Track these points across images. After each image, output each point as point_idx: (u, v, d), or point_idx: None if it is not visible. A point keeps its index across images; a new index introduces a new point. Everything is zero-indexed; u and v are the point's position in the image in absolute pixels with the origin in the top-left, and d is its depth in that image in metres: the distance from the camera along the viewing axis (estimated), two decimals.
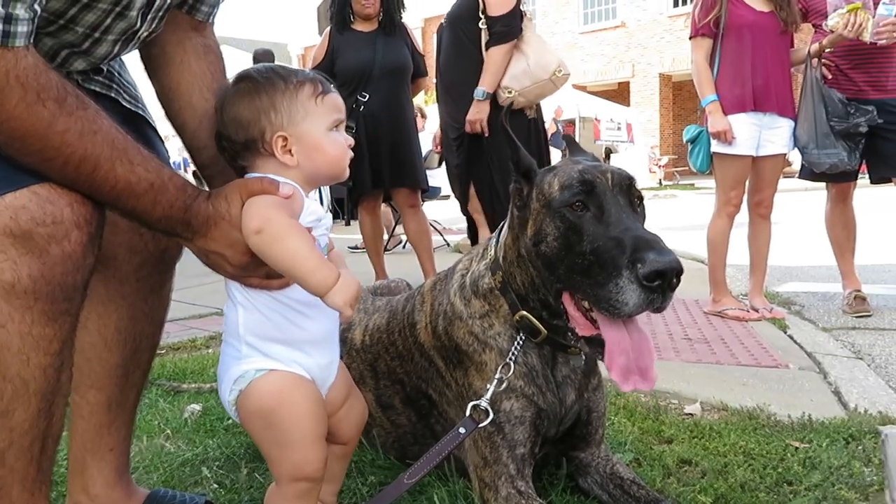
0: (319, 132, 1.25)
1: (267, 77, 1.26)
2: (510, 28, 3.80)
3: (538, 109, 4.06)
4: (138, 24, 1.20)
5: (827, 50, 3.83)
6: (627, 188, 1.38)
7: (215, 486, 1.74)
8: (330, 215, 1.33)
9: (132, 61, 1.43)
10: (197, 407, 2.37)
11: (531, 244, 1.40)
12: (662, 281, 1.20)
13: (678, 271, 1.21)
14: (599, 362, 1.33)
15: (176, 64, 1.35)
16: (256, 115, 1.23)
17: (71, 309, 1.07)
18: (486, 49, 3.83)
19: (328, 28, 4.41)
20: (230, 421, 2.22)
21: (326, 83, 1.28)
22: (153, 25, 1.25)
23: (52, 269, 1.01)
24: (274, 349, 1.24)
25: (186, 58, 1.35)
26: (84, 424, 1.39)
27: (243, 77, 1.28)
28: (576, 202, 1.33)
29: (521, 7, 3.87)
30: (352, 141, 1.31)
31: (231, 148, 1.27)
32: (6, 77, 0.94)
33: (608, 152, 17.68)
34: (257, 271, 1.20)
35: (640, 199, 1.41)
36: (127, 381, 1.42)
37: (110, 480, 1.43)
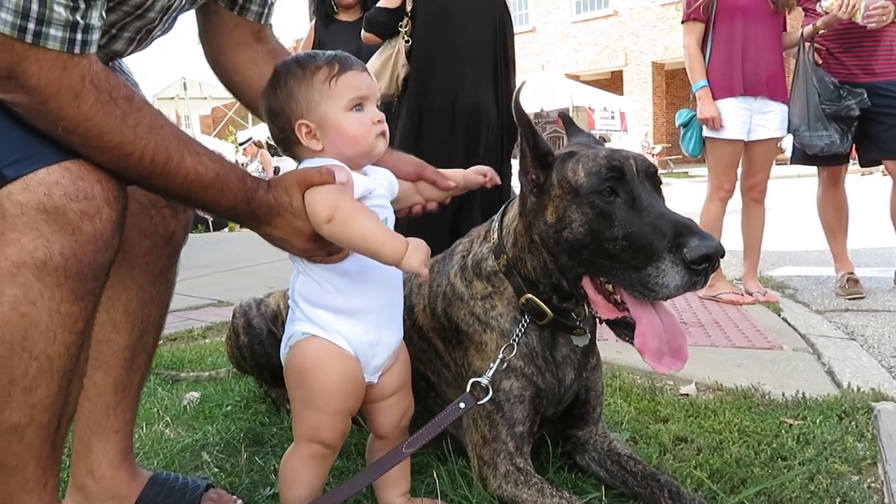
0: (336, 114, 1.27)
1: (287, 67, 1.30)
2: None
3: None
4: (156, 23, 1.22)
5: (821, 32, 3.85)
6: (652, 174, 1.40)
7: (216, 469, 1.75)
8: (381, 186, 1.35)
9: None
10: (196, 394, 2.38)
11: (552, 231, 1.40)
12: (708, 264, 1.23)
13: (722, 254, 1.24)
14: (627, 343, 1.37)
15: (255, 80, 1.42)
16: (280, 105, 1.29)
17: (97, 289, 1.08)
18: None
19: (314, 21, 4.39)
20: (229, 407, 2.23)
21: (345, 62, 1.29)
22: (167, 25, 1.28)
23: (83, 248, 1.03)
24: (320, 315, 1.30)
25: (262, 71, 1.42)
26: (90, 406, 1.39)
27: (275, 70, 1.33)
28: (605, 188, 1.34)
29: None
30: (380, 116, 1.31)
31: (275, 138, 1.35)
32: (82, 81, 0.99)
33: (602, 141, 17.70)
34: (320, 252, 1.26)
35: (661, 182, 1.43)
36: (133, 364, 1.43)
37: (115, 462, 1.43)
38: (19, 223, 0.99)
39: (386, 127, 1.33)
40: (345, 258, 1.28)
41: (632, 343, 1.34)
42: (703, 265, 1.23)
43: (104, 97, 1.01)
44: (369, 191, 1.30)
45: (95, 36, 1.00)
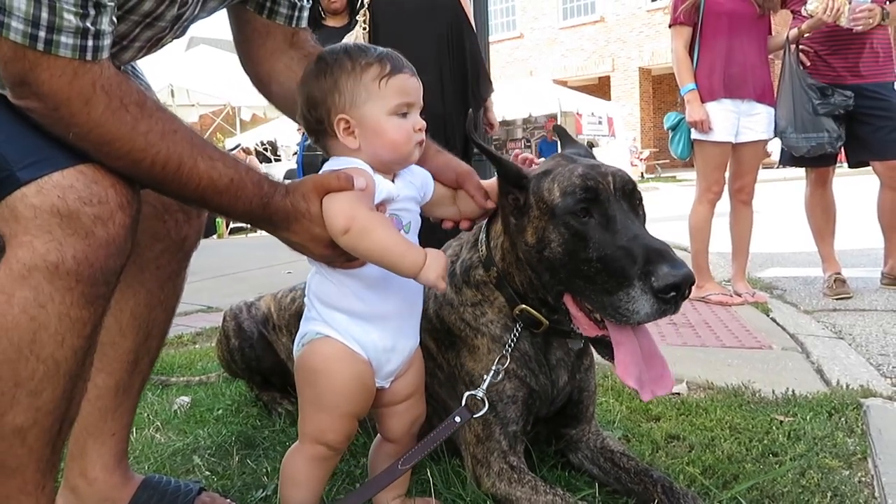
0: (379, 116, 1.24)
1: (336, 58, 1.27)
2: None
3: None
4: (167, 31, 1.22)
5: (805, 35, 3.89)
6: (630, 192, 1.37)
7: (207, 473, 1.74)
8: (408, 189, 1.32)
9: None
10: (186, 399, 2.36)
11: (534, 251, 1.39)
12: (677, 293, 1.22)
13: (691, 283, 1.23)
14: (608, 363, 1.37)
15: (293, 88, 1.38)
16: (323, 95, 1.26)
17: (107, 293, 1.08)
18: None
19: None
20: (220, 411, 2.22)
21: (398, 64, 1.26)
22: (178, 32, 1.27)
23: (96, 252, 1.02)
24: (335, 317, 1.28)
25: (298, 77, 1.38)
26: (89, 408, 1.37)
27: (320, 57, 1.31)
28: (579, 209, 1.33)
29: None
30: (422, 124, 1.28)
31: (308, 127, 1.31)
32: (93, 88, 0.99)
33: (590, 146, 17.76)
34: (340, 258, 1.24)
35: (641, 200, 1.41)
36: (136, 368, 1.42)
37: (109, 465, 1.42)
38: (32, 226, 0.99)
39: (424, 136, 1.30)
40: (365, 264, 1.25)
41: (612, 362, 1.34)
42: (672, 294, 1.22)
43: (115, 103, 1.01)
44: (392, 196, 1.27)
45: (107, 41, 1.00)
